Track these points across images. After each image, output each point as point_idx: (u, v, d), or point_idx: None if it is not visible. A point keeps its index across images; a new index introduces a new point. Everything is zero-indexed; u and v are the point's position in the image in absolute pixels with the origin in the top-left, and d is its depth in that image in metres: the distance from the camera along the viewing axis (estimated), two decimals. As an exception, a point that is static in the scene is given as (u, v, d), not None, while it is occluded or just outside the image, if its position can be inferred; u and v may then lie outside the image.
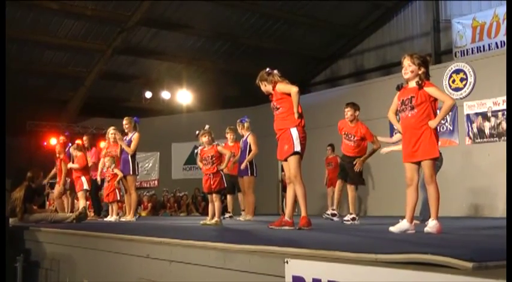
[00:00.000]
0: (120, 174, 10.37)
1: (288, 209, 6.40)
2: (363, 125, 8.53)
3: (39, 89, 19.02)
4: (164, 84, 19.56)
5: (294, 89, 6.16)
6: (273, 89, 6.32)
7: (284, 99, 6.23)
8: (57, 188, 11.97)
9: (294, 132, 6.14)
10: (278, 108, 6.27)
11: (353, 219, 8.27)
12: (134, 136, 10.44)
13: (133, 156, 10.35)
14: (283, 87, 6.27)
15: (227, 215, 11.15)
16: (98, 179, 11.07)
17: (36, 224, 8.35)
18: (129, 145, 10.36)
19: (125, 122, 10.64)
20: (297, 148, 6.11)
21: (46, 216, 9.30)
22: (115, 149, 10.79)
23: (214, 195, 8.21)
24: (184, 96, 19.64)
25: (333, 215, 8.95)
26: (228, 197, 11.24)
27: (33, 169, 9.44)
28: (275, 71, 6.42)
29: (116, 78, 19.50)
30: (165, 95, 19.66)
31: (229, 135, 10.87)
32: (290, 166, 6.17)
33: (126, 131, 10.62)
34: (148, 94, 19.63)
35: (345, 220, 8.33)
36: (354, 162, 8.42)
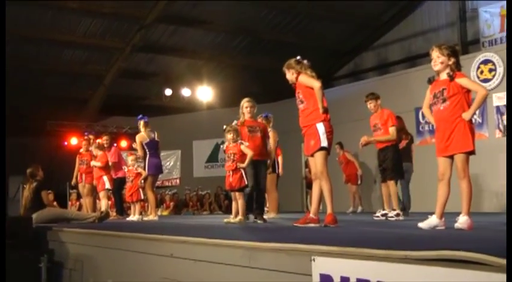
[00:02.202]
0: (143, 173, 10.48)
1: (313, 206, 6.38)
2: (386, 110, 8.59)
3: (59, 88, 19.21)
4: (184, 81, 19.61)
5: (316, 85, 6.12)
6: (296, 79, 6.31)
7: (308, 93, 6.20)
8: (86, 186, 12.12)
9: (321, 127, 6.11)
10: (302, 102, 6.24)
11: (397, 215, 8.20)
12: (136, 138, 10.77)
13: (144, 157, 10.62)
14: (306, 80, 6.23)
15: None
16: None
17: (56, 224, 8.40)
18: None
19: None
20: (324, 143, 6.08)
21: (64, 213, 9.39)
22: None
23: (236, 193, 8.23)
24: (204, 93, 19.67)
25: (383, 215, 8.66)
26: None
27: (31, 165, 9.52)
28: (305, 61, 6.38)
29: (135, 76, 19.59)
30: (185, 92, 19.70)
31: (230, 135, 8.58)
32: (316, 162, 6.15)
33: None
34: (168, 91, 19.69)
35: (389, 217, 8.26)
36: (385, 157, 8.47)
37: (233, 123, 8.55)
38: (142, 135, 10.75)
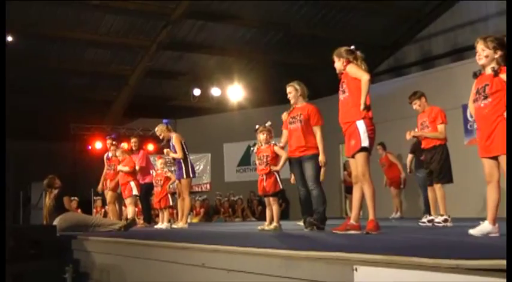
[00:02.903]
0: (173, 178, 10.54)
1: (354, 212, 6.33)
2: (435, 107, 8.51)
3: (82, 90, 19.45)
4: (213, 80, 19.66)
5: (365, 77, 6.04)
6: (344, 71, 6.26)
7: (353, 85, 6.14)
8: (110, 193, 12.15)
9: (361, 125, 6.04)
10: (344, 92, 6.20)
11: (445, 221, 8.08)
12: (173, 139, 10.66)
13: (184, 159, 10.55)
14: (355, 70, 6.17)
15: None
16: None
17: (81, 232, 8.47)
18: (175, 151, 10.59)
19: (157, 132, 10.98)
20: (365, 143, 6.01)
21: (87, 219, 9.47)
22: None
23: (271, 198, 8.21)
24: (235, 92, 19.71)
25: (430, 221, 8.54)
26: None
27: (47, 177, 9.64)
28: (358, 52, 6.34)
29: (161, 75, 19.73)
30: (214, 91, 19.76)
31: (263, 136, 8.50)
32: (357, 163, 6.09)
33: (161, 137, 10.88)
34: (196, 91, 19.77)
35: (436, 222, 8.16)
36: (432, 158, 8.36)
37: (266, 124, 8.53)
38: (180, 135, 10.80)
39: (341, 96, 6.26)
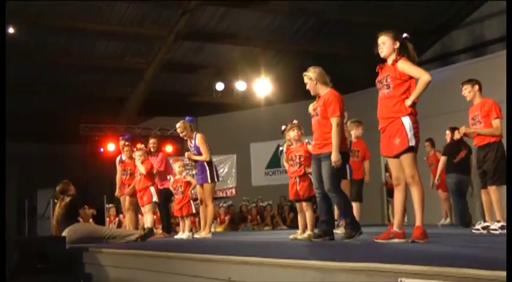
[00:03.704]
0: (193, 182, 10.54)
1: (396, 218, 6.29)
2: (488, 100, 8.40)
3: (92, 86, 19.61)
4: (238, 73, 19.68)
5: (425, 77, 5.97)
6: (394, 63, 6.18)
7: (400, 80, 6.08)
8: (128, 199, 12.16)
9: (407, 122, 5.99)
10: (388, 87, 6.12)
11: (502, 227, 7.99)
12: (198, 139, 10.64)
13: (209, 161, 10.57)
14: (409, 68, 6.10)
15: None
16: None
17: (93, 244, 8.51)
18: (198, 153, 10.59)
19: (178, 129, 10.92)
20: (412, 142, 5.97)
21: (101, 230, 9.51)
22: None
23: (304, 203, 8.19)
24: (262, 87, 19.71)
25: (485, 228, 8.44)
26: (355, 205, 10.99)
27: (60, 182, 9.68)
28: (411, 47, 6.27)
29: (180, 69, 19.81)
30: (239, 85, 19.78)
31: (294, 132, 8.56)
32: (404, 165, 6.04)
33: (185, 138, 10.84)
34: (219, 86, 19.81)
35: (491, 230, 8.07)
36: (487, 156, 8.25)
37: (294, 121, 8.49)
38: (204, 135, 10.80)
39: (384, 91, 6.19)
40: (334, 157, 7.01)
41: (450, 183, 12.16)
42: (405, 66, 6.12)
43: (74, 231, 8.97)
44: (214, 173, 10.65)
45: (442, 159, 11.98)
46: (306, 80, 7.52)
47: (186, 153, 10.88)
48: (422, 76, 6.01)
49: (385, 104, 6.19)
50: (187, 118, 11.00)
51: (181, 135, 10.93)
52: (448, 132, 12.10)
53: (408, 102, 6.01)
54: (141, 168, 11.19)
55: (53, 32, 17.27)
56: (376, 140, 6.26)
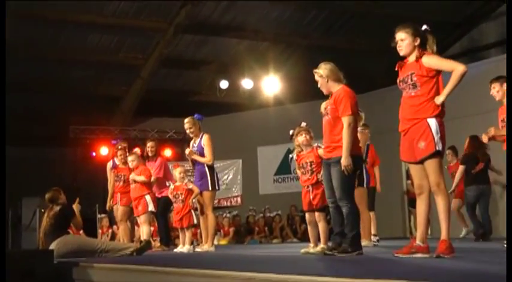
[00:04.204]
0: (196, 190, 10.51)
1: (419, 230, 6.29)
2: None
3: (83, 84, 19.63)
4: (244, 70, 19.69)
5: (460, 68, 5.94)
6: (418, 58, 6.15)
7: (428, 77, 6.05)
8: (121, 209, 12.12)
9: (434, 124, 5.96)
10: (415, 87, 6.08)
11: None
12: (204, 139, 10.61)
13: (211, 166, 10.53)
14: (438, 62, 6.06)
15: (374, 238, 10.82)
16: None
17: (84, 258, 8.50)
18: (201, 154, 10.56)
19: (186, 125, 10.81)
20: (439, 146, 5.95)
21: (93, 243, 9.50)
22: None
23: (316, 213, 8.17)
24: (271, 85, 19.73)
25: None
26: (371, 214, 11.00)
27: (50, 190, 9.64)
28: (431, 40, 6.25)
29: (181, 65, 19.84)
30: (246, 83, 19.81)
31: (302, 137, 8.47)
32: (429, 171, 6.03)
33: (191, 135, 10.79)
34: (223, 84, 19.85)
35: None
36: None
37: (302, 124, 8.47)
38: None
39: (409, 91, 6.14)
40: (344, 161, 6.91)
41: (469, 196, 12.19)
42: (432, 61, 6.08)
43: (63, 244, 8.95)
44: (216, 180, 10.63)
45: (461, 168, 12.00)
46: (316, 77, 7.46)
47: (187, 150, 10.80)
48: (457, 67, 5.97)
49: (410, 104, 6.14)
50: (196, 115, 10.95)
51: (188, 131, 10.80)
52: (467, 140, 12.12)
53: (441, 98, 5.96)
54: (139, 178, 11.27)
55: (40, 24, 17.29)
56: (395, 144, 6.22)
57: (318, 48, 19.29)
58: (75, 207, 9.89)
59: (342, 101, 7.11)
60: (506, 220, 4.39)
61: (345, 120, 7.03)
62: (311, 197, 8.12)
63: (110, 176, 12.58)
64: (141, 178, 11.37)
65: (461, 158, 12.19)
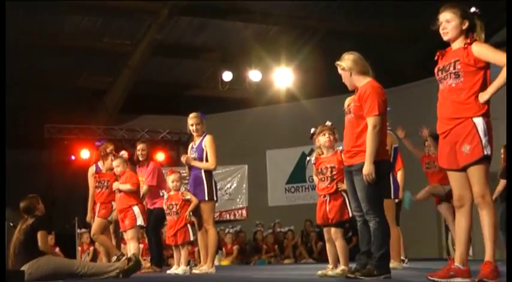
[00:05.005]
0: (194, 201, 10.48)
1: (459, 250, 6.24)
2: None
3: (61, 75, 19.63)
4: (251, 60, 19.70)
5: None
6: (466, 45, 6.10)
7: (475, 70, 6.01)
8: (97, 220, 12.07)
9: (481, 124, 5.89)
10: (458, 76, 6.03)
11: None
12: (207, 141, 10.55)
13: (209, 172, 10.48)
14: (490, 52, 5.98)
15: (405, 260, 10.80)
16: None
17: (61, 281, 8.52)
18: (200, 157, 10.51)
19: (192, 120, 10.68)
20: (487, 150, 5.87)
21: (72, 265, 9.48)
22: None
23: (332, 230, 8.16)
24: (282, 77, 19.76)
25: None
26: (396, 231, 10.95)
27: (27, 197, 9.57)
28: (480, 25, 6.22)
29: (177, 53, 19.85)
30: (253, 75, 19.82)
31: (324, 138, 8.55)
32: (474, 180, 5.93)
33: (194, 134, 10.72)
34: (227, 76, 19.85)
35: None
36: None
37: (327, 123, 8.45)
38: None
39: (450, 82, 6.09)
40: (366, 169, 6.85)
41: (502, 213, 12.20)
42: (483, 50, 6.01)
43: (36, 267, 8.92)
44: (213, 188, 10.57)
45: (501, 184, 11.96)
46: (339, 70, 7.42)
47: (183, 157, 10.73)
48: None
49: (451, 99, 6.05)
50: (199, 112, 10.89)
51: (192, 128, 10.64)
52: (502, 150, 12.07)
53: (485, 96, 5.88)
54: (124, 187, 11.21)
55: (9, 5, 17.28)
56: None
57: (339, 34, 19.32)
58: (45, 238, 9.76)
59: (368, 99, 7.04)
60: (506, 220, 4.44)
61: (370, 121, 6.96)
62: (327, 209, 8.10)
63: (92, 183, 12.51)
64: (126, 186, 11.25)
65: (501, 171, 12.14)
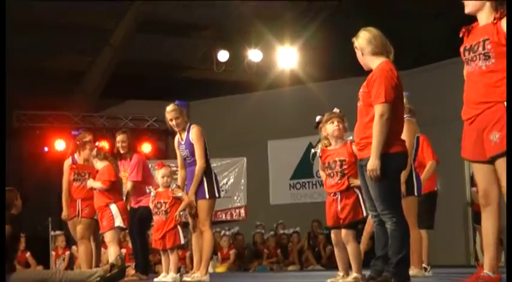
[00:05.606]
0: (185, 200, 10.45)
1: (488, 255, 6.25)
2: None
3: (32, 54, 19.57)
4: (251, 38, 19.72)
5: None
6: (496, 21, 6.05)
7: (503, 48, 5.95)
8: (83, 222, 12.00)
9: (514, 109, 5.89)
10: (488, 58, 5.97)
11: None
12: (193, 133, 10.45)
13: (208, 168, 10.43)
14: None
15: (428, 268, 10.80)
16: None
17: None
18: (191, 152, 10.43)
19: (170, 115, 10.52)
20: (518, 138, 5.87)
21: (45, 276, 9.48)
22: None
23: (343, 231, 8.15)
24: (286, 58, 19.83)
25: None
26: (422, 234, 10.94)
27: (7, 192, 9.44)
28: None
29: (165, 29, 19.83)
30: (253, 55, 19.86)
31: (333, 126, 8.52)
32: (502, 173, 5.93)
33: (175, 129, 10.63)
34: (223, 55, 19.89)
35: None
36: None
37: (334, 110, 8.41)
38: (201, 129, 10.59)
39: (480, 63, 6.05)
40: (370, 163, 6.79)
41: None
42: None
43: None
44: (215, 184, 10.52)
45: None
46: (355, 47, 7.29)
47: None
48: None
49: (481, 82, 5.98)
50: (177, 102, 10.80)
51: (172, 123, 10.54)
52: None
53: None
54: (95, 184, 11.17)
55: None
56: (454, 139, 6.16)
57: (352, 8, 19.30)
58: (18, 204, 9.65)
59: (375, 84, 6.93)
60: (506, 220, 4.48)
61: (377, 110, 6.84)
62: (338, 208, 8.07)
63: (67, 176, 12.40)
64: (97, 184, 11.26)
65: None
